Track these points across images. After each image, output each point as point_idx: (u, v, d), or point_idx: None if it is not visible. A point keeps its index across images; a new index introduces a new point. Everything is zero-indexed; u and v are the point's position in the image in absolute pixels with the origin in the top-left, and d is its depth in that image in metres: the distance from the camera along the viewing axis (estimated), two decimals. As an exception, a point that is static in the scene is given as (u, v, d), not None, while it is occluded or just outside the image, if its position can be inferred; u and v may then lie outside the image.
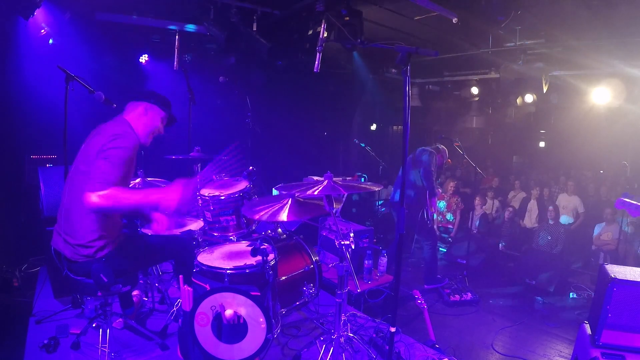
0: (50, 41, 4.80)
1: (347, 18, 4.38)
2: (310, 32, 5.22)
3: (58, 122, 3.50)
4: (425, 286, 5.08)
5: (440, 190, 5.25)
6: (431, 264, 5.12)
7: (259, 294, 2.40)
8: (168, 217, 2.78)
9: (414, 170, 5.02)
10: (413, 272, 5.82)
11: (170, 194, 2.39)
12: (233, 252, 2.83)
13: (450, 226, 7.47)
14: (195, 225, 3.40)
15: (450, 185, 7.76)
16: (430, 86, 9.23)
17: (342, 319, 2.86)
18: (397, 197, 5.07)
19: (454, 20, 4.76)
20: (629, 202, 3.08)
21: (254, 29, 5.04)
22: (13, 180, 4.80)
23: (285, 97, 7.57)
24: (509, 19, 4.67)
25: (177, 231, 3.25)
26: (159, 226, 2.78)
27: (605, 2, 4.31)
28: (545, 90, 6.77)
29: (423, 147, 5.17)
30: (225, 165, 2.84)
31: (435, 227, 5.98)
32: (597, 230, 6.25)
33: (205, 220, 3.35)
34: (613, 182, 7.91)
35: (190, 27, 5.33)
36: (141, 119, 2.61)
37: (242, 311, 2.31)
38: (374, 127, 10.80)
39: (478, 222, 7.16)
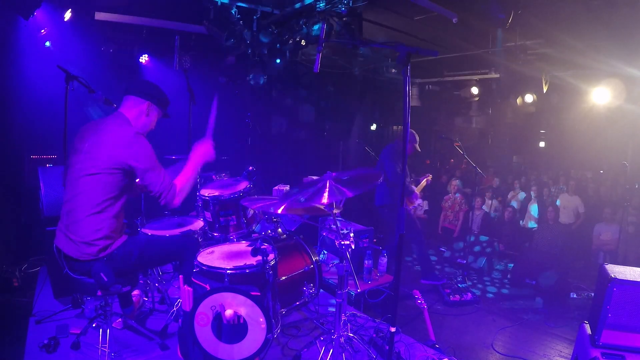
0: (48, 44, 4.80)
1: (347, 18, 4.38)
2: (310, 32, 5.22)
3: (58, 122, 3.51)
4: (422, 281, 5.05)
5: (414, 187, 5.12)
6: (424, 260, 5.10)
7: (259, 294, 2.40)
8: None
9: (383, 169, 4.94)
10: (413, 272, 5.82)
11: (202, 152, 2.71)
12: (233, 252, 2.83)
13: (452, 227, 7.46)
14: (195, 225, 3.41)
15: (453, 184, 7.76)
16: (430, 86, 9.22)
17: (342, 319, 2.86)
18: (380, 200, 5.07)
19: (454, 20, 4.76)
20: None
21: (254, 28, 5.04)
22: (13, 180, 4.80)
23: (285, 97, 7.58)
24: (509, 18, 4.67)
25: (177, 231, 3.26)
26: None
27: (605, 2, 4.31)
28: (545, 90, 6.76)
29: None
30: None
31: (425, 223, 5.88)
32: (597, 230, 6.25)
33: (205, 220, 3.36)
34: (613, 182, 7.91)
35: (190, 27, 5.33)
36: (141, 118, 2.59)
37: (242, 311, 2.31)
38: (374, 127, 10.80)
39: (478, 222, 7.16)
